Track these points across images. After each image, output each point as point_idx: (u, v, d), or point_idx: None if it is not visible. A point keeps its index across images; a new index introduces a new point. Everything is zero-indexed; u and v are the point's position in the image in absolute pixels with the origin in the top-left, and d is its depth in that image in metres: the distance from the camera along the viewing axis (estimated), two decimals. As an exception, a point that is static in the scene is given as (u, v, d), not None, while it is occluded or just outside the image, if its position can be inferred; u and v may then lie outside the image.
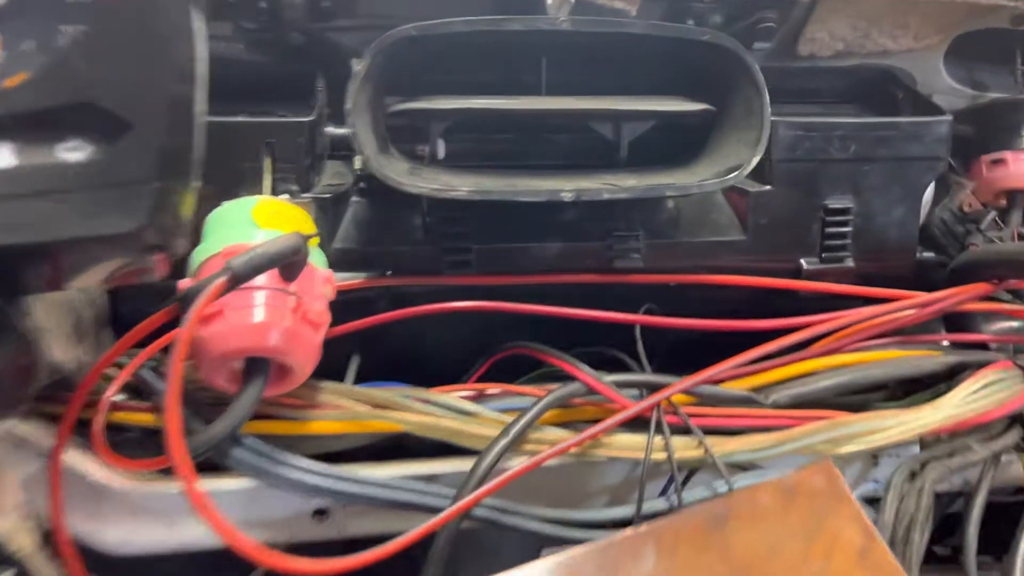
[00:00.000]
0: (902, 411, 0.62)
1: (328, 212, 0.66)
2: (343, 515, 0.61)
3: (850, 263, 0.74)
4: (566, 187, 0.62)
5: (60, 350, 0.48)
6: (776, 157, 0.72)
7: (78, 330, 0.51)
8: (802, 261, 0.74)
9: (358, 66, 0.59)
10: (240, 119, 0.64)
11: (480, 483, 0.55)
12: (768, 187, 0.72)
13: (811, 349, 0.67)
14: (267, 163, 0.65)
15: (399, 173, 0.61)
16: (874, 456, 0.68)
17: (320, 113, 0.68)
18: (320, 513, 0.60)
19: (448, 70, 0.69)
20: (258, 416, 0.59)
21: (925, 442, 0.65)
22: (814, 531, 0.47)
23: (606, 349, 0.69)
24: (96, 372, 0.51)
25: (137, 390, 0.61)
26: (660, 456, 0.58)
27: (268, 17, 0.72)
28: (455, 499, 0.54)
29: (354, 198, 0.68)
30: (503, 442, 0.57)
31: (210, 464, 0.57)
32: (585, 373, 0.61)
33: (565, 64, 0.69)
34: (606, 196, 0.62)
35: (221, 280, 0.45)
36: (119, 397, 0.62)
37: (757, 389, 0.64)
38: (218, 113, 0.70)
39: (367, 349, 0.72)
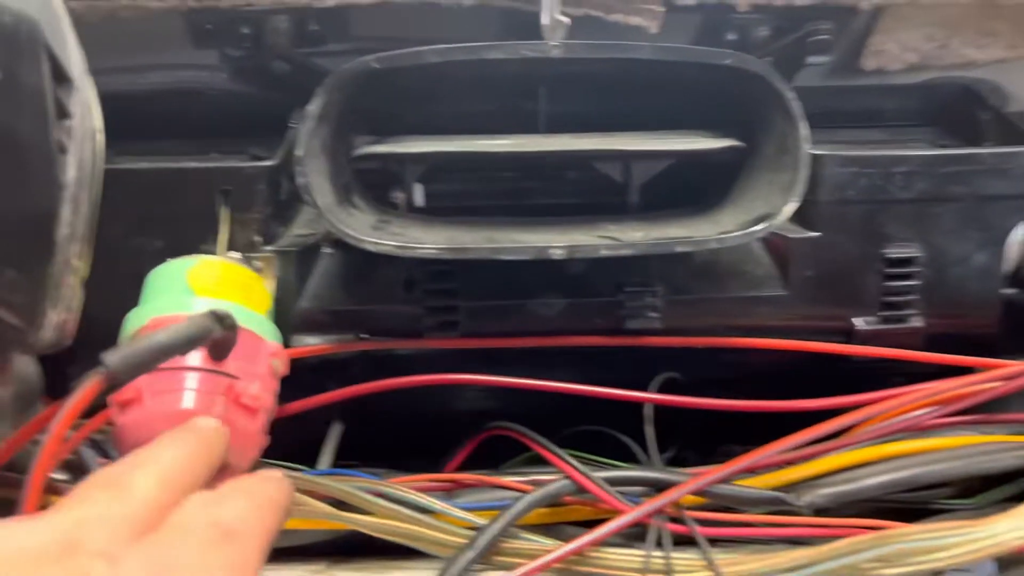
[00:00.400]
0: (974, 523, 0.50)
1: (294, 267, 0.58)
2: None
3: (917, 323, 0.62)
4: (557, 242, 0.52)
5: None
6: (824, 198, 0.60)
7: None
8: (855, 321, 0.62)
9: (311, 105, 0.51)
10: (191, 165, 0.57)
11: (439, 607, 0.46)
12: (815, 233, 0.61)
13: (857, 432, 0.55)
14: (224, 213, 0.57)
15: (361, 227, 0.52)
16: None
17: (287, 154, 0.60)
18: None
19: (432, 101, 0.60)
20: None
21: (1005, 561, 0.52)
22: None
23: (611, 431, 0.59)
24: (9, 449, 0.44)
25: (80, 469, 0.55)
26: (658, 576, 0.48)
27: (252, 44, 0.65)
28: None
29: (325, 249, 0.60)
30: (468, 555, 0.47)
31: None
32: (573, 468, 0.51)
33: (567, 93, 0.60)
34: (604, 253, 0.52)
35: (93, 383, 0.37)
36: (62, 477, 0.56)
37: (789, 487, 0.53)
38: (186, 153, 0.64)
39: (348, 418, 0.64)
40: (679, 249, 0.53)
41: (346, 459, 0.60)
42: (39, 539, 0.27)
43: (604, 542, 0.49)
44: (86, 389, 0.38)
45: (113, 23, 0.61)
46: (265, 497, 0.34)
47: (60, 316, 0.37)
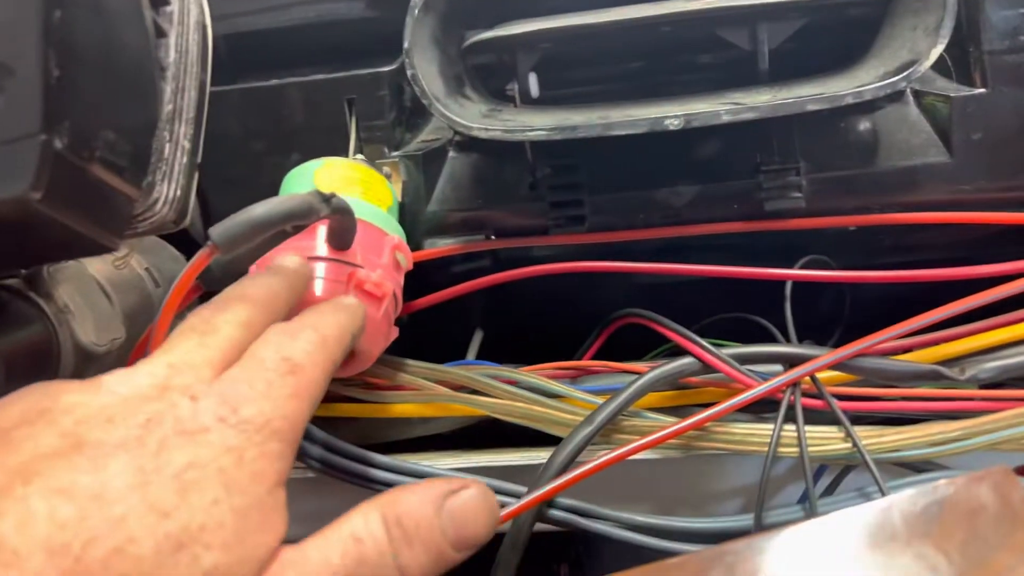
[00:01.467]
0: None
1: (419, 171, 0.59)
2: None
3: (1115, 185, 0.53)
4: (673, 112, 0.49)
5: (90, 333, 0.46)
6: (989, 48, 0.53)
7: (116, 311, 0.49)
8: (1039, 187, 0.54)
9: (415, -3, 0.51)
10: (315, 77, 0.59)
11: (555, 478, 0.45)
12: (981, 90, 0.54)
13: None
14: (351, 121, 0.59)
15: (471, 116, 0.52)
16: None
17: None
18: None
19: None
20: (331, 399, 0.54)
21: None
22: (971, 569, 0.31)
23: (748, 315, 0.55)
24: (139, 351, 0.48)
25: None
26: (790, 451, 0.44)
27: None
28: (526, 494, 0.45)
29: (451, 154, 0.60)
30: (587, 430, 0.46)
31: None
32: (697, 346, 0.48)
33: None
34: (725, 118, 0.48)
35: (201, 256, 0.40)
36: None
37: (951, 361, 0.47)
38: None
39: (485, 322, 0.65)
40: (810, 108, 0.48)
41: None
42: (139, 382, 0.31)
43: (731, 418, 0.46)
44: (195, 261, 0.40)
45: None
46: (332, 329, 0.38)
47: (173, 192, 0.40)
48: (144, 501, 0.27)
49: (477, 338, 0.64)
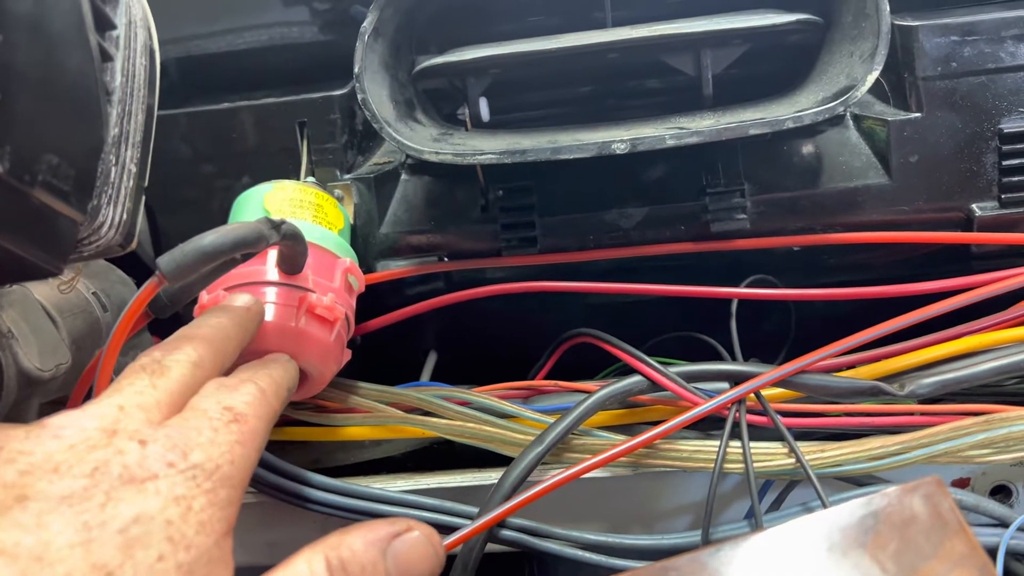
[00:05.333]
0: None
1: (371, 194, 0.59)
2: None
3: (1046, 204, 0.55)
4: (620, 136, 0.50)
5: (35, 358, 0.45)
6: (923, 74, 0.55)
7: (61, 336, 0.48)
8: (974, 207, 0.56)
9: (365, 21, 0.52)
10: (267, 100, 0.59)
11: (506, 498, 0.45)
12: (917, 114, 0.55)
13: (974, 323, 0.50)
14: (303, 145, 0.59)
15: (422, 140, 0.53)
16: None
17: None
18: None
19: (494, 17, 0.59)
20: (282, 422, 0.54)
21: None
22: (905, 578, 0.32)
23: (695, 333, 0.56)
24: (87, 377, 0.48)
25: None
26: (736, 468, 0.45)
27: (335, -7, 0.68)
28: (477, 516, 0.45)
29: (404, 176, 0.61)
30: (537, 450, 0.47)
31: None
32: (645, 365, 0.49)
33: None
34: (670, 142, 0.49)
35: (148, 286, 0.39)
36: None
37: (891, 377, 0.48)
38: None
39: (444, 346, 0.65)
40: (752, 132, 0.49)
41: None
42: (86, 425, 0.31)
43: (679, 436, 0.47)
44: (143, 291, 0.40)
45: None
46: (269, 383, 0.38)
47: (119, 215, 0.40)
48: (87, 560, 0.27)
49: (431, 359, 0.64)
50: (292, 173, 0.59)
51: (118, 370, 0.39)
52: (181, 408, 0.34)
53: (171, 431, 0.32)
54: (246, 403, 0.35)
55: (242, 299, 0.42)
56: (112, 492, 0.28)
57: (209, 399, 0.34)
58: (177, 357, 0.35)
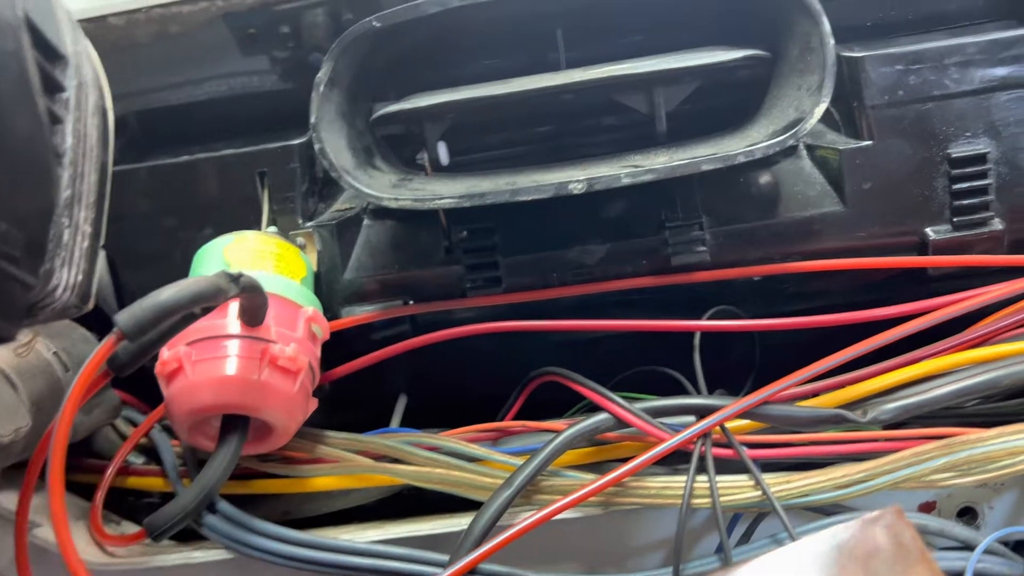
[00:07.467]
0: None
1: (334, 240, 0.59)
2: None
3: (997, 226, 0.56)
4: (577, 176, 0.51)
5: (-8, 422, 0.45)
6: (871, 103, 0.56)
7: (21, 399, 0.47)
8: (928, 231, 0.57)
9: (320, 72, 0.52)
10: (226, 152, 0.59)
11: (477, 544, 0.45)
12: (868, 142, 0.57)
13: (933, 346, 0.50)
14: (263, 194, 0.60)
15: (381, 186, 0.53)
16: None
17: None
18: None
19: (449, 62, 0.60)
20: (248, 475, 0.53)
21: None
22: (870, 612, 0.32)
23: (661, 368, 0.57)
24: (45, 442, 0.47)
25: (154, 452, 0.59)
26: (704, 502, 0.45)
27: (294, 42, 0.68)
28: (448, 565, 0.44)
29: (366, 222, 0.61)
30: (506, 493, 0.46)
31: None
32: (611, 401, 0.49)
33: (586, 34, 0.58)
34: (626, 181, 0.50)
35: (107, 343, 0.39)
36: (138, 460, 0.60)
37: (854, 404, 0.49)
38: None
39: (413, 389, 0.65)
40: (705, 167, 0.50)
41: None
42: None
43: (647, 472, 0.47)
44: (101, 349, 0.40)
45: (165, 42, 0.65)
46: None
47: (74, 277, 0.39)
48: None
49: (401, 404, 0.64)
50: (254, 223, 0.59)
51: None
52: None
53: None
54: None
55: None
56: None
57: None
58: None
